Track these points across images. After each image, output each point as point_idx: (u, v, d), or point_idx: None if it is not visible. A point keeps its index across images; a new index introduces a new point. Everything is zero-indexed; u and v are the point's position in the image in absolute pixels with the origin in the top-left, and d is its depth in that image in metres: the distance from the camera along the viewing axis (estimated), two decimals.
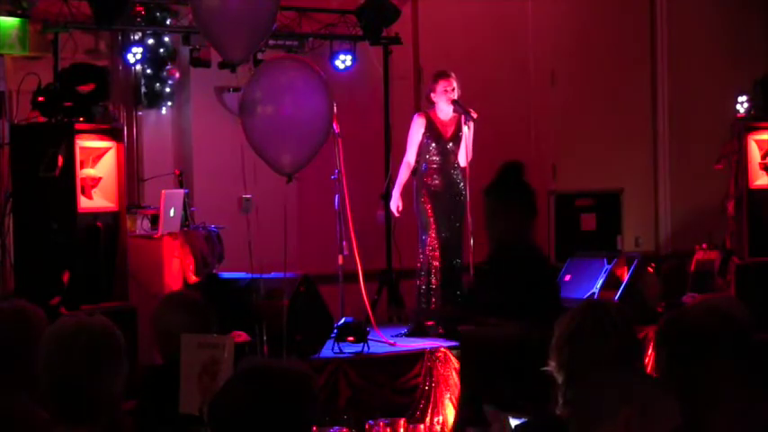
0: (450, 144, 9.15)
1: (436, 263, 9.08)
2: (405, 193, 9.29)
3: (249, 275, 8.33)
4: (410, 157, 9.23)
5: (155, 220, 8.76)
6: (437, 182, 9.13)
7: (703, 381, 2.95)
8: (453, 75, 9.10)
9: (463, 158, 9.06)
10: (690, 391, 2.94)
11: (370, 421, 7.95)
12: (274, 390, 2.76)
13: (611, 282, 9.69)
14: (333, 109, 8.50)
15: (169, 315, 4.69)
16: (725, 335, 3.00)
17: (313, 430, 2.81)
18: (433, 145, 9.15)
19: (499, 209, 5.69)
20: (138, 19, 9.36)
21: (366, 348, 8.41)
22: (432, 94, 9.19)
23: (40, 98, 8.13)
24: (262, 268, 8.38)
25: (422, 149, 9.19)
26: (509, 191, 5.81)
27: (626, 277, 9.63)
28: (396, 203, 9.22)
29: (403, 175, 9.24)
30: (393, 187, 9.35)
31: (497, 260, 5.79)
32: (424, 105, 9.53)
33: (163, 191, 8.77)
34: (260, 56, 9.23)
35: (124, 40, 9.57)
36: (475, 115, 9.01)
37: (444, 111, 9.15)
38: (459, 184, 9.12)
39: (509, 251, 5.69)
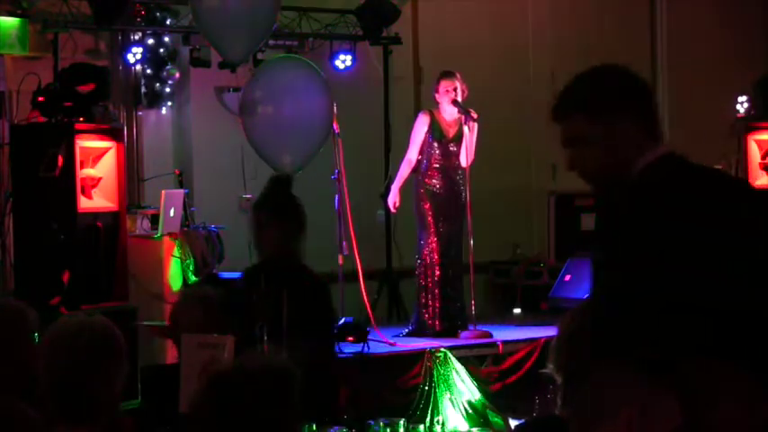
0: (453, 144, 9.13)
1: (435, 263, 9.07)
2: (404, 192, 9.27)
3: None
4: (412, 154, 9.21)
5: (155, 220, 8.77)
6: (437, 182, 9.12)
7: (703, 381, 2.95)
8: (458, 75, 9.07)
9: (464, 159, 9.05)
10: (690, 391, 2.94)
11: (370, 421, 7.94)
12: (250, 390, 2.73)
13: None
14: (333, 109, 8.51)
15: (187, 312, 4.70)
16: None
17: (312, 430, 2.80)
18: (436, 144, 9.14)
19: (267, 223, 5.52)
20: (138, 19, 9.36)
21: (366, 348, 8.40)
22: (436, 95, 9.18)
23: (40, 98, 8.14)
24: None
25: (424, 148, 9.18)
26: (278, 205, 5.61)
27: None
28: (393, 199, 9.19)
29: (404, 171, 9.22)
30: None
31: (264, 276, 5.40)
32: (432, 105, 9.52)
33: (163, 191, 8.78)
34: (260, 56, 9.24)
35: (124, 40, 9.57)
36: (475, 116, 9.00)
37: (448, 111, 9.13)
38: (460, 184, 9.11)
39: (276, 267, 5.43)
